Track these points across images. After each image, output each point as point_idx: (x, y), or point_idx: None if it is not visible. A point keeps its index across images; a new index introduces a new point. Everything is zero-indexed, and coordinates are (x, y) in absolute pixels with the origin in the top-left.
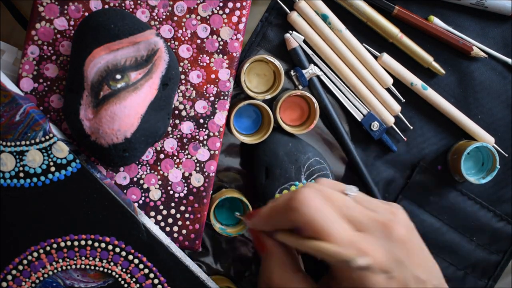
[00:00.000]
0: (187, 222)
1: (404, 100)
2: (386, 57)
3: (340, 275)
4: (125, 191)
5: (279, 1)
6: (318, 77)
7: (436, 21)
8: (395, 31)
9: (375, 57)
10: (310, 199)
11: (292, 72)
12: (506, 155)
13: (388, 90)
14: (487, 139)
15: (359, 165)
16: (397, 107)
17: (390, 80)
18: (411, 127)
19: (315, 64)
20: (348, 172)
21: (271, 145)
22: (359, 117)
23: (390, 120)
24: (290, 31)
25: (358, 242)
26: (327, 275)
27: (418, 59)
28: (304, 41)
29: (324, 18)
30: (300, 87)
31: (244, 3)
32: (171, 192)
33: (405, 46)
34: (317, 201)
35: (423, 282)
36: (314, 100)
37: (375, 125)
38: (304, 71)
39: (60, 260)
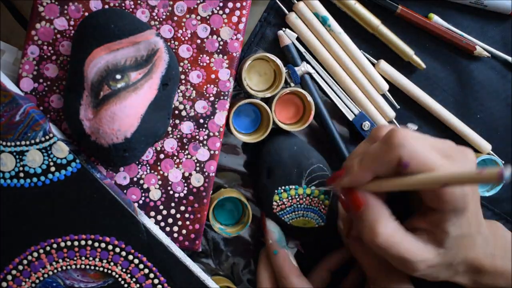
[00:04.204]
0: (187, 222)
1: (398, 107)
2: (383, 64)
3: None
4: (125, 191)
5: (278, 2)
6: (310, 75)
7: (436, 19)
8: (376, 22)
9: (373, 64)
10: (408, 134)
11: (284, 69)
12: (503, 162)
13: (384, 96)
14: (484, 146)
15: None
16: (391, 113)
17: (385, 86)
18: None
19: (308, 62)
20: None
21: (276, 145)
22: (350, 116)
23: None
24: (284, 28)
25: (452, 168)
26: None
27: (399, 52)
28: (298, 39)
29: (324, 20)
30: (292, 84)
31: (244, 3)
32: (171, 192)
33: (386, 39)
34: (413, 135)
35: None
36: (307, 94)
37: (366, 125)
38: (296, 69)
39: (60, 260)
